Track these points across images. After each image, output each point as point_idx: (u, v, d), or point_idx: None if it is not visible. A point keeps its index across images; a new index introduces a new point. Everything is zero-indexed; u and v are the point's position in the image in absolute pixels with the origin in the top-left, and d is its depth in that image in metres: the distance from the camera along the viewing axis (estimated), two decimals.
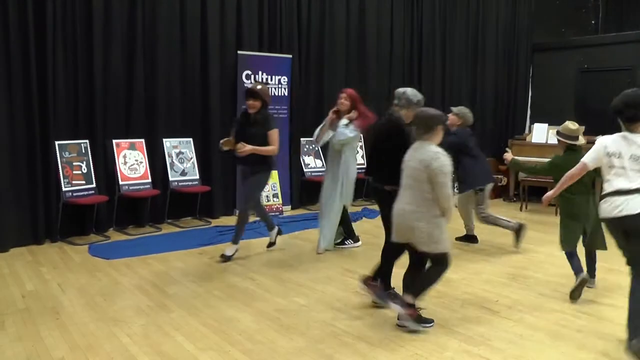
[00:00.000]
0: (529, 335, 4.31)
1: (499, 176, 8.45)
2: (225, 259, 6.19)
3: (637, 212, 3.85)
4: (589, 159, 4.17)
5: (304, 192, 9.48)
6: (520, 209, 9.52)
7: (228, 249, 6.29)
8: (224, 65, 8.44)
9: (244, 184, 6.30)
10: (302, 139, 9.45)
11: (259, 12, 8.76)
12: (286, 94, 9.04)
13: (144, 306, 4.84)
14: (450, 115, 6.95)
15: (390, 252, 4.87)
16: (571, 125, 5.25)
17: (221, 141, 6.13)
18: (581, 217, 5.09)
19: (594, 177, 4.92)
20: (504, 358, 3.93)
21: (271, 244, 6.65)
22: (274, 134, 6.11)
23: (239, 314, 4.69)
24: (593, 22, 13.39)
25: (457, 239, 7.19)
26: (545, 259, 6.39)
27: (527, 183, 9.56)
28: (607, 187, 4.02)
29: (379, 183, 4.84)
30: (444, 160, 4.16)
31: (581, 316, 4.73)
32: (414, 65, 10.76)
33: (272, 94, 8.85)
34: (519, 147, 10.44)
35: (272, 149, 6.11)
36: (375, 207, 9.42)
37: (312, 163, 9.60)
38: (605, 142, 4.07)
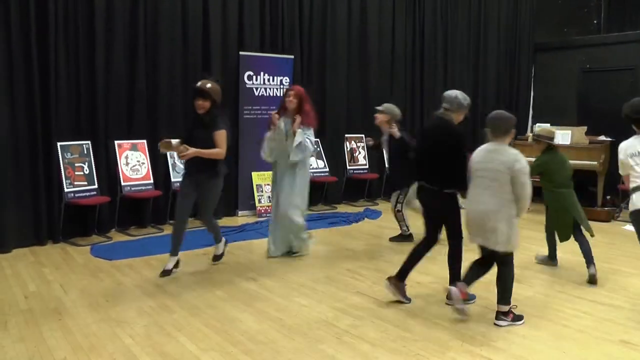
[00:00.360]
0: (531, 336, 4.31)
1: None
2: (165, 273, 5.65)
3: None
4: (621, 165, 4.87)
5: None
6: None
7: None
8: (225, 65, 8.44)
9: (199, 195, 5.68)
10: None
11: (260, 13, 8.77)
12: None
13: (146, 307, 4.84)
14: (377, 115, 7.00)
15: (424, 250, 5.08)
16: (549, 128, 6.04)
17: (159, 143, 5.47)
18: (570, 208, 5.62)
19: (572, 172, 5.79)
20: (506, 358, 3.93)
21: (218, 257, 6.13)
22: (221, 136, 5.53)
23: (241, 314, 4.69)
24: (595, 21, 13.36)
25: (391, 239, 7.28)
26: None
27: None
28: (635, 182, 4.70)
29: (434, 185, 4.81)
30: (524, 161, 4.35)
31: (584, 316, 4.73)
32: (415, 65, 10.77)
33: (274, 94, 8.87)
34: (520, 147, 10.28)
35: (217, 151, 5.50)
36: (377, 207, 9.50)
37: (313, 164, 9.59)
38: (623, 146, 4.84)
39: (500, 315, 4.50)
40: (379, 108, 7.05)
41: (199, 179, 5.57)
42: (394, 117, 7.00)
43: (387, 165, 7.11)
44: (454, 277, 4.86)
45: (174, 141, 5.43)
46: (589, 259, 5.60)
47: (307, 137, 6.14)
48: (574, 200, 5.70)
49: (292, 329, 4.40)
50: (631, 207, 4.71)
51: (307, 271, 5.93)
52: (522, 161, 4.33)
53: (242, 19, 8.57)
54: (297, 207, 6.27)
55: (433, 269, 6.06)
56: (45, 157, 6.87)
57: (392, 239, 7.31)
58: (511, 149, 4.43)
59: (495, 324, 4.50)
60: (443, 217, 4.96)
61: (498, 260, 4.53)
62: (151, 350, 3.98)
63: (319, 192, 9.42)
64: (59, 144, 6.93)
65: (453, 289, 4.54)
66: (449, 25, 11.14)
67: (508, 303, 4.50)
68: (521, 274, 5.82)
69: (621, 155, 4.83)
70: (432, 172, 4.85)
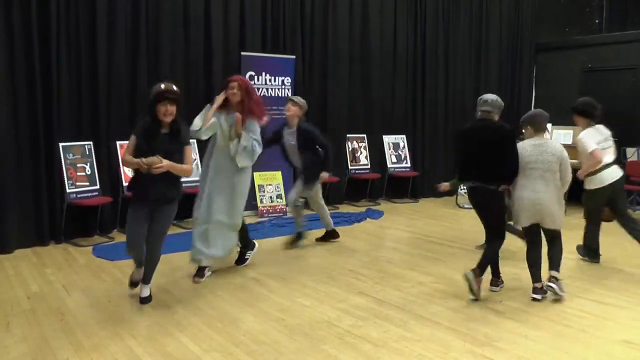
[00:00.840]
0: (533, 336, 4.31)
1: None
2: (143, 301, 4.94)
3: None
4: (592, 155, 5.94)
5: None
6: None
7: (143, 289, 5.01)
8: (227, 66, 8.44)
9: (153, 219, 4.80)
10: None
11: (262, 13, 8.77)
12: (289, 95, 9.02)
13: (148, 307, 4.85)
14: (290, 106, 6.61)
15: (497, 245, 5.28)
16: None
17: (129, 159, 4.61)
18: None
19: None
20: (508, 358, 3.93)
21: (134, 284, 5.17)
22: (190, 151, 4.84)
23: (243, 314, 4.70)
24: (597, 21, 13.36)
25: (318, 239, 7.18)
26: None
27: None
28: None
29: (489, 184, 5.09)
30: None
31: (586, 316, 4.72)
32: (417, 64, 10.75)
33: (276, 94, 8.87)
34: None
35: (188, 168, 4.77)
36: (379, 207, 9.50)
37: None
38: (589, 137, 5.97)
39: (552, 279, 5.10)
40: (294, 98, 6.69)
41: (166, 200, 4.79)
42: (304, 110, 6.72)
43: (290, 159, 6.75)
44: (483, 268, 5.14)
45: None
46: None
47: (253, 139, 5.54)
48: None
49: (294, 329, 4.40)
50: (600, 184, 5.92)
51: (309, 271, 5.93)
52: (564, 150, 5.04)
53: (244, 19, 8.57)
54: (238, 212, 5.70)
55: (434, 269, 6.08)
56: (47, 158, 6.88)
57: (319, 240, 7.19)
58: (553, 141, 5.19)
59: (548, 285, 5.07)
60: (497, 214, 5.23)
61: (554, 235, 5.18)
62: (153, 351, 3.99)
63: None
64: (60, 144, 6.94)
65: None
66: (450, 25, 11.13)
67: (559, 270, 5.16)
68: (523, 275, 5.82)
69: (594, 145, 5.87)
70: (486, 171, 5.10)
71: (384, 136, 10.37)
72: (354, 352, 4.01)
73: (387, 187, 10.37)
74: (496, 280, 5.36)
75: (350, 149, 10.00)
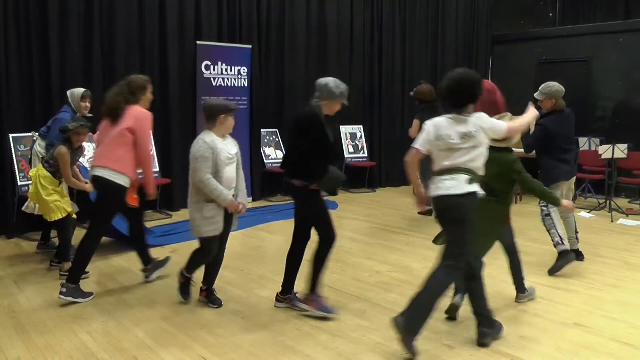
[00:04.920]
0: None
1: None
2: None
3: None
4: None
5: (265, 183, 9.46)
6: None
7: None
8: (183, 55, 8.34)
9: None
10: (262, 130, 9.42)
11: (218, 1, 8.67)
12: (246, 84, 8.97)
13: (104, 303, 4.76)
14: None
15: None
16: None
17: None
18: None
19: None
20: (463, 343, 3.98)
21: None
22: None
23: (201, 308, 4.65)
24: (551, 14, 13.62)
25: None
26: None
27: None
28: None
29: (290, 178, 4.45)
30: None
31: (539, 301, 4.81)
32: (374, 55, 10.81)
33: (232, 85, 8.80)
34: None
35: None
36: (335, 198, 9.51)
37: (272, 154, 9.57)
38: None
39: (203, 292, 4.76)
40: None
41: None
42: None
43: None
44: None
45: None
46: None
47: None
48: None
49: (251, 321, 4.38)
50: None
51: (267, 263, 5.91)
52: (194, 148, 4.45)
53: (200, 8, 8.46)
54: None
55: (392, 258, 6.12)
56: None
57: None
58: (204, 135, 4.47)
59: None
60: (299, 213, 4.59)
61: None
62: (109, 347, 3.92)
63: (278, 183, 9.38)
64: (11, 136, 6.74)
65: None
66: (407, 15, 11.20)
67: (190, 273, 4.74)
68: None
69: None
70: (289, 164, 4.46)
71: (341, 126, 10.37)
72: (311, 342, 4.01)
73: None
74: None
75: None
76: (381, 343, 4.00)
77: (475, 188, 3.71)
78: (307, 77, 9.86)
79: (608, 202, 8.58)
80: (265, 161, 9.46)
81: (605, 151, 8.48)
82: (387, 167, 10.88)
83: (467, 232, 3.75)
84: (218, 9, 8.70)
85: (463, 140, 3.71)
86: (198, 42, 8.42)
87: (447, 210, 3.77)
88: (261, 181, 9.38)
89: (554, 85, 5.65)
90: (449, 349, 3.92)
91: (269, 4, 9.29)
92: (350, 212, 8.61)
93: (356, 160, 10.48)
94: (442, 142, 3.75)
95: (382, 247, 6.58)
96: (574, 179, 5.77)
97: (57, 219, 5.39)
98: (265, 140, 9.53)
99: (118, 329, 4.21)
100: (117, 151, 4.68)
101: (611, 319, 4.48)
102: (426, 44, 11.60)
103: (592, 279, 5.45)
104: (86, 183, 5.47)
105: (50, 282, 5.25)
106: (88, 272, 5.24)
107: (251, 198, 9.15)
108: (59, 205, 5.38)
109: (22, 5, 6.82)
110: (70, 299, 4.67)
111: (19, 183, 6.73)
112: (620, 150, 8.34)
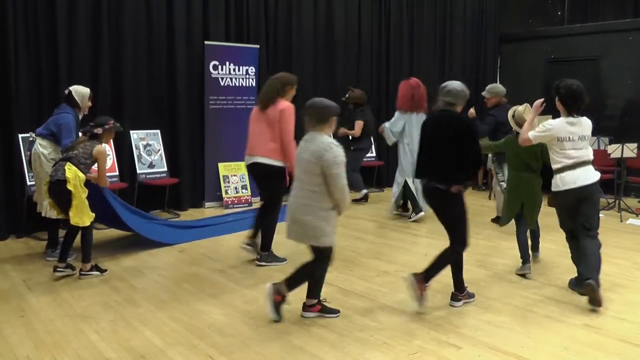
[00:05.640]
0: (497, 322, 4.37)
1: None
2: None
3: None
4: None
5: None
6: (489, 198, 9.61)
7: None
8: (190, 55, 8.36)
9: None
10: None
11: (225, 2, 8.67)
12: (254, 84, 8.97)
13: (112, 301, 4.78)
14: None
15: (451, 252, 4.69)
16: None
17: None
18: (523, 193, 5.45)
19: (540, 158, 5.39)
20: (473, 345, 3.97)
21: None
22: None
23: (208, 307, 4.66)
24: (559, 12, 13.56)
25: None
26: (511, 245, 6.45)
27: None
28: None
29: (440, 183, 4.53)
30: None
31: (548, 302, 4.80)
32: (382, 54, 10.78)
33: (240, 84, 8.82)
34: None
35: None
36: None
37: None
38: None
39: (306, 307, 4.49)
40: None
41: None
42: None
43: None
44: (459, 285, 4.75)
45: None
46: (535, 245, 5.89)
47: None
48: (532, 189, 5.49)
49: (259, 320, 4.38)
50: (563, 187, 4.73)
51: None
52: (333, 153, 4.08)
53: (207, 8, 8.47)
54: None
55: (399, 258, 6.11)
56: (6, 150, 6.72)
57: None
58: (324, 139, 4.20)
59: (302, 315, 4.46)
60: (452, 217, 4.63)
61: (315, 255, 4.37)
62: (117, 346, 3.93)
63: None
64: (20, 136, 6.78)
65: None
66: (415, 15, 11.17)
67: (316, 297, 4.46)
68: (486, 261, 5.90)
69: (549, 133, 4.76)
70: (441, 170, 4.50)
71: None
72: (319, 342, 4.01)
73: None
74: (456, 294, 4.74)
75: None
76: (388, 343, 4.00)
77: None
78: (315, 76, 9.86)
79: (617, 201, 8.53)
80: None
81: (614, 150, 8.42)
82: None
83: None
84: (225, 9, 8.70)
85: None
86: (206, 42, 8.43)
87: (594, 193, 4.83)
88: None
89: (499, 86, 7.51)
90: (456, 349, 3.91)
91: (276, 3, 9.28)
92: (357, 211, 8.59)
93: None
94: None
95: (390, 247, 6.57)
96: None
97: (87, 223, 5.24)
98: None
99: (126, 328, 4.23)
100: (270, 143, 5.56)
101: (620, 319, 4.46)
102: (434, 43, 11.57)
103: (601, 279, 5.40)
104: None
105: (59, 281, 5.27)
106: (106, 270, 5.45)
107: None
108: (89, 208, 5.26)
109: (30, 6, 6.85)
110: (265, 263, 5.72)
111: (28, 183, 6.75)
112: (630, 149, 8.28)
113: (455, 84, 4.63)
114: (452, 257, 4.63)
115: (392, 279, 5.41)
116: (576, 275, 4.98)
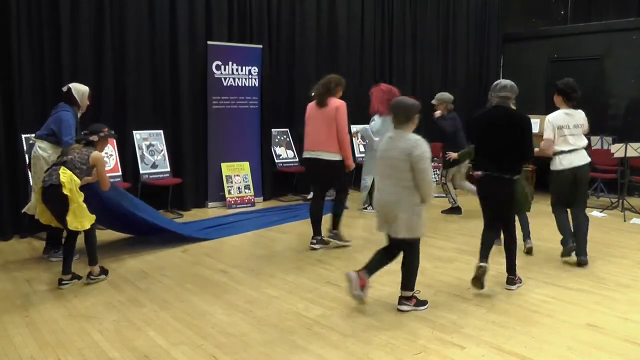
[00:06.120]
0: (501, 322, 4.36)
1: None
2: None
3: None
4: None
5: (276, 183, 9.46)
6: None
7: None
8: (193, 55, 8.37)
9: None
10: (273, 129, 9.42)
11: (228, 1, 8.68)
12: (256, 84, 8.98)
13: (115, 301, 4.78)
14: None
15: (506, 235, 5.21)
16: None
17: None
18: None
19: None
20: (476, 345, 3.97)
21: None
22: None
23: (211, 307, 4.66)
24: (562, 12, 13.53)
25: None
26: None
27: None
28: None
29: (504, 173, 4.97)
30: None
31: (551, 301, 4.79)
32: (384, 54, 10.79)
33: (243, 84, 8.82)
34: None
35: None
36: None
37: (283, 154, 9.58)
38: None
39: (402, 300, 4.60)
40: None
41: None
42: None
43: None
44: (512, 266, 5.14)
45: None
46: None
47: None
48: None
49: (262, 320, 4.39)
50: (561, 166, 5.67)
51: (277, 262, 5.92)
52: (421, 149, 4.32)
53: (210, 8, 8.48)
54: None
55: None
56: (10, 150, 6.73)
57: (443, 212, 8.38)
58: (412, 136, 4.42)
59: (398, 309, 4.57)
60: (508, 203, 5.06)
61: (400, 247, 4.61)
62: (120, 346, 3.94)
63: (289, 182, 9.40)
64: (23, 136, 6.79)
65: (352, 274, 4.55)
66: (418, 15, 11.17)
67: (411, 289, 4.61)
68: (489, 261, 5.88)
69: (550, 134, 5.69)
70: (505, 160, 4.92)
71: (352, 126, 10.34)
72: (322, 342, 4.01)
73: (357, 176, 10.36)
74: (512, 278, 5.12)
75: None
76: (391, 342, 4.00)
77: None
78: (318, 76, 9.79)
79: (620, 201, 8.52)
80: (276, 161, 9.46)
81: (618, 150, 8.41)
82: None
83: None
84: (228, 9, 8.71)
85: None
86: (209, 42, 8.44)
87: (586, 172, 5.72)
88: (272, 181, 9.38)
89: (446, 94, 8.29)
90: (460, 349, 3.91)
91: (279, 3, 9.29)
92: (362, 211, 8.59)
93: None
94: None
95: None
96: None
97: (88, 226, 5.09)
98: (276, 140, 9.54)
99: (129, 328, 4.23)
100: (329, 139, 6.12)
101: (623, 319, 4.44)
102: (437, 42, 11.56)
103: (604, 279, 5.41)
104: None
105: None
106: (108, 271, 5.41)
107: (262, 198, 9.17)
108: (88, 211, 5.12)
109: (33, 7, 6.86)
110: (336, 241, 6.48)
111: (32, 183, 6.76)
112: (633, 149, 8.27)
113: (507, 81, 5.13)
114: (514, 241, 5.09)
115: (397, 278, 5.39)
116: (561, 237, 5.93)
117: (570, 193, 5.74)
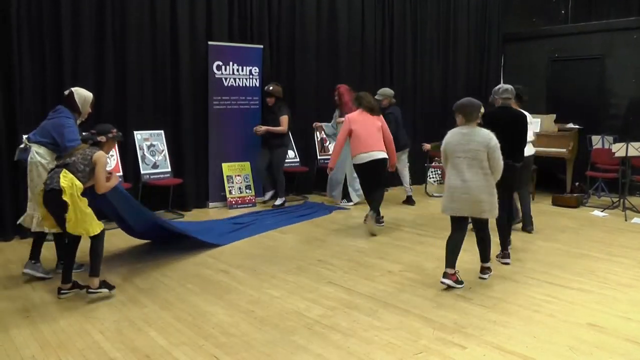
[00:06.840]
0: (502, 321, 4.35)
1: None
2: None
3: None
4: None
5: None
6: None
7: None
8: (194, 56, 8.36)
9: None
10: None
11: (229, 2, 8.68)
12: (257, 84, 8.98)
13: (116, 302, 4.78)
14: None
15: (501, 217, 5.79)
16: None
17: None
18: None
19: None
20: (478, 344, 3.96)
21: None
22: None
23: (213, 307, 4.66)
24: (563, 11, 13.51)
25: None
26: (513, 245, 6.45)
27: None
28: None
29: (512, 160, 5.71)
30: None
31: (553, 301, 4.79)
32: (385, 54, 10.77)
33: (244, 84, 8.82)
34: None
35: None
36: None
37: None
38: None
39: (485, 270, 5.42)
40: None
41: None
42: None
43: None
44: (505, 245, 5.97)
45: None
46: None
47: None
48: None
49: (263, 320, 4.38)
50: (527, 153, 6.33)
51: (278, 262, 5.91)
52: (494, 139, 5.04)
53: (211, 8, 8.48)
54: None
55: (404, 257, 6.11)
56: (11, 152, 6.71)
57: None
58: (483, 131, 5.12)
59: (480, 277, 5.35)
60: (511, 187, 5.92)
61: (481, 226, 5.30)
62: (121, 346, 3.93)
63: (290, 182, 9.39)
64: (24, 136, 6.77)
65: (445, 281, 5.09)
66: (418, 14, 11.16)
67: (489, 259, 5.46)
68: (491, 261, 5.88)
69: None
70: (511, 149, 5.67)
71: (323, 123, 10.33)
72: (323, 342, 4.01)
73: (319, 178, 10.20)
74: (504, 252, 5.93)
75: (318, 138, 9.98)
76: (393, 342, 3.99)
77: None
78: (318, 76, 9.85)
79: (621, 200, 8.50)
80: None
81: (619, 149, 8.40)
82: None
83: None
84: (229, 9, 8.71)
85: None
86: (209, 43, 8.44)
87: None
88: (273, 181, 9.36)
89: (388, 90, 8.97)
90: (461, 348, 3.91)
91: (280, 3, 9.29)
92: (362, 211, 8.58)
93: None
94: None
95: (394, 247, 6.57)
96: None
97: (97, 232, 4.83)
98: None
99: (130, 328, 4.23)
100: (381, 142, 7.17)
101: (625, 318, 4.44)
102: (437, 42, 11.55)
103: (605, 278, 5.41)
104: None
105: None
106: (114, 287, 5.05)
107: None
108: (94, 216, 4.86)
109: (34, 7, 6.86)
110: (382, 223, 7.68)
111: (28, 192, 6.73)
112: (634, 148, 8.26)
113: (507, 85, 6.16)
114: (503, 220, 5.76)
115: (397, 278, 5.41)
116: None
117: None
